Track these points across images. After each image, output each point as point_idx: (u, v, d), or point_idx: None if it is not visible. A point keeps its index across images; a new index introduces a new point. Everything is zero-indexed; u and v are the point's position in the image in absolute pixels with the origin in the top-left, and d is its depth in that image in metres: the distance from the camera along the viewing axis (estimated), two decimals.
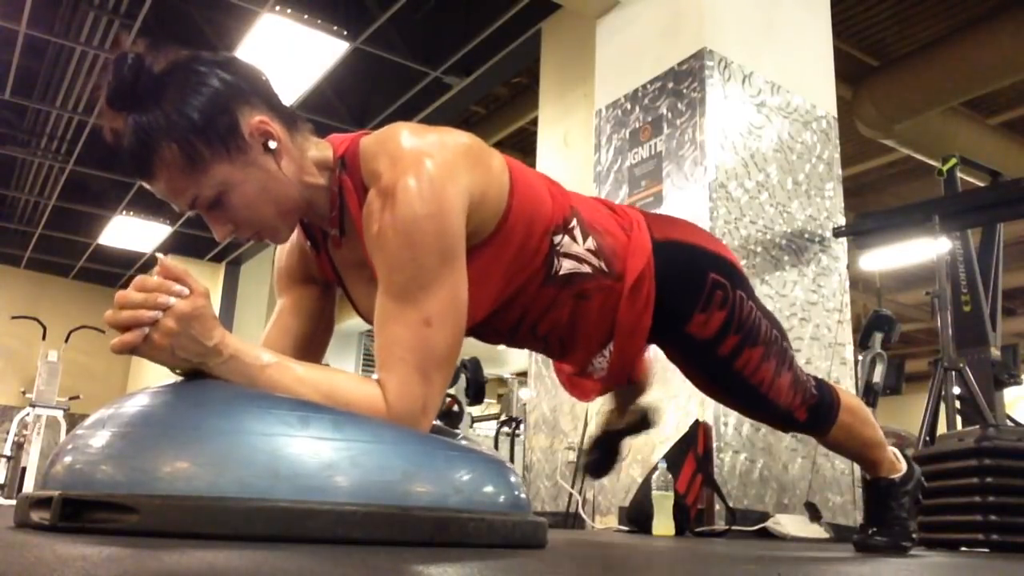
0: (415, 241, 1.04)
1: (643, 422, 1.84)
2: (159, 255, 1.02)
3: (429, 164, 1.06)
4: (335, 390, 1.02)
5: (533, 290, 1.25)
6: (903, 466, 1.70)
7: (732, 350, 1.40)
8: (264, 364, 1.02)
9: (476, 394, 4.82)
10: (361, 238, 1.14)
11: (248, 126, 1.09)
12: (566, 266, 1.25)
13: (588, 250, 1.27)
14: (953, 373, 3.25)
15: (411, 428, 1.04)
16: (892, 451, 1.72)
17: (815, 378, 1.58)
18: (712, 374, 1.47)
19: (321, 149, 1.19)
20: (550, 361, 1.71)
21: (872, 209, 6.35)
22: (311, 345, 1.33)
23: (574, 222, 1.27)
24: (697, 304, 1.36)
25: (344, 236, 1.20)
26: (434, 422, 1.12)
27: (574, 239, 1.26)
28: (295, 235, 1.33)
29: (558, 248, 1.24)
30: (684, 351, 1.45)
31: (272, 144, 1.11)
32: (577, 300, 1.28)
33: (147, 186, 1.12)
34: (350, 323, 8.78)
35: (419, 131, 1.13)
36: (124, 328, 0.95)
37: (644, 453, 3.18)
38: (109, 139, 1.09)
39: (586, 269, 1.27)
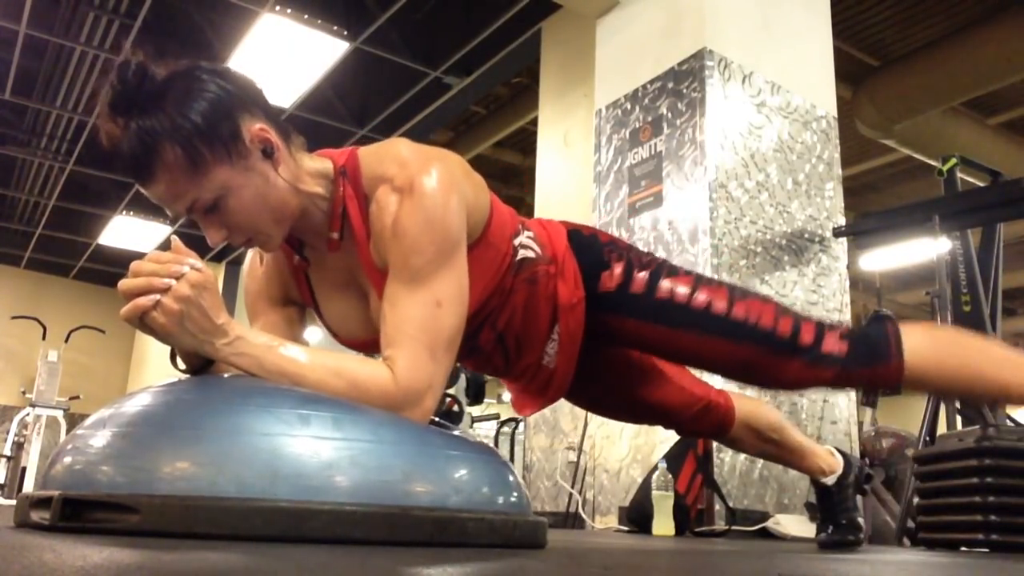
0: (434, 227, 1.12)
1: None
2: (173, 237, 1.03)
3: (437, 167, 1.16)
4: (342, 368, 1.05)
5: (503, 288, 1.34)
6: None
7: (646, 284, 1.41)
8: (269, 346, 1.05)
9: (476, 394, 4.82)
10: (360, 242, 1.19)
11: (249, 132, 1.13)
12: (520, 254, 1.36)
13: (528, 238, 1.39)
14: None
15: (417, 403, 1.07)
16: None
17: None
18: (652, 317, 1.40)
19: (316, 161, 1.23)
20: None
21: (872, 209, 6.36)
22: None
23: (520, 225, 1.40)
24: (599, 266, 1.43)
25: (342, 241, 1.23)
26: (435, 419, 1.13)
27: (521, 234, 1.38)
28: (265, 257, 1.35)
29: (517, 246, 1.36)
30: (612, 311, 1.43)
31: (271, 151, 1.14)
32: (529, 286, 1.37)
33: (144, 190, 1.13)
34: None
35: (417, 145, 1.23)
36: (137, 294, 0.97)
37: (644, 453, 3.18)
38: (105, 144, 1.10)
39: (531, 255, 1.37)
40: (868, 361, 1.37)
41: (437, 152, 1.21)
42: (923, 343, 1.38)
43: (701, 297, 1.39)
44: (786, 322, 1.38)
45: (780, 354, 1.37)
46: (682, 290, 1.40)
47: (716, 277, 1.52)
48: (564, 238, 1.45)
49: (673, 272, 1.44)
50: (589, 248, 1.46)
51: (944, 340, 1.44)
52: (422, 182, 1.13)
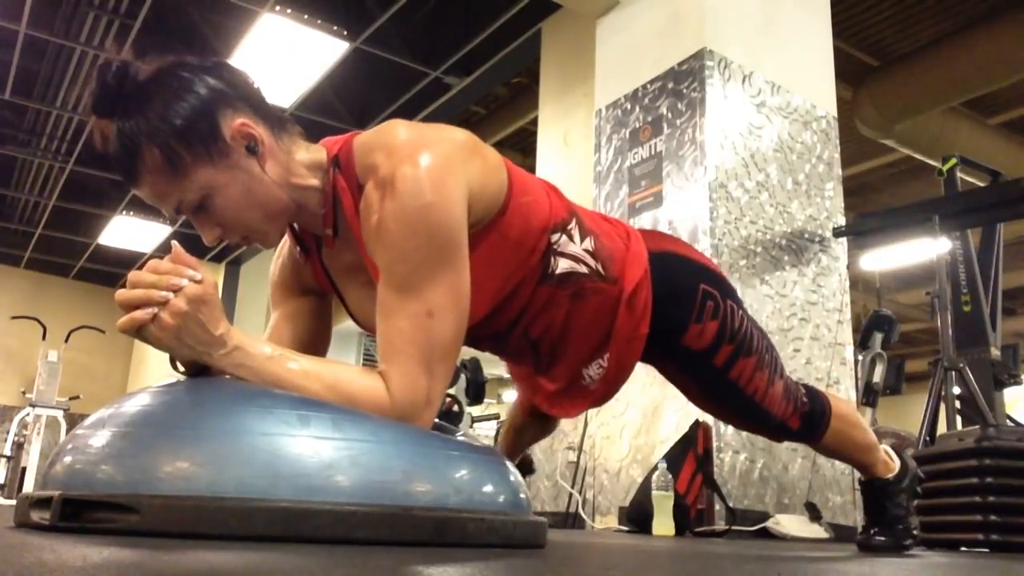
0: (417, 230, 1.04)
1: (525, 466, 2.01)
2: (173, 242, 1.02)
3: (427, 155, 1.06)
4: (338, 382, 1.03)
5: (530, 289, 1.25)
6: (896, 464, 1.73)
7: (727, 361, 1.42)
8: (268, 356, 1.02)
9: (476, 394, 4.82)
10: (357, 237, 1.14)
11: (230, 129, 1.09)
12: (563, 265, 1.26)
13: (586, 250, 1.28)
14: (953, 373, 3.25)
15: (414, 420, 1.05)
16: (884, 450, 1.74)
17: (805, 385, 1.62)
18: (708, 386, 1.49)
19: (312, 151, 1.18)
20: None
21: (872, 209, 6.36)
22: (309, 353, 1.33)
23: (573, 223, 1.28)
24: (691, 315, 1.38)
25: (338, 237, 1.19)
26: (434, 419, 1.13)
27: (572, 239, 1.27)
28: (287, 245, 1.33)
29: (555, 247, 1.25)
30: (679, 363, 1.47)
31: (255, 147, 1.11)
32: (573, 301, 1.29)
33: (133, 190, 1.12)
34: (350, 323, 8.81)
35: (415, 126, 1.14)
36: (134, 307, 0.96)
37: (644, 453, 3.18)
38: (97, 144, 1.10)
39: (583, 269, 1.28)
40: (801, 437, 1.61)
41: (434, 134, 1.12)
42: (835, 427, 1.60)
43: (753, 383, 1.47)
44: (786, 408, 1.54)
45: (769, 429, 1.59)
46: (746, 374, 1.45)
47: (764, 339, 1.54)
48: (643, 262, 1.35)
49: (749, 349, 1.45)
50: (681, 288, 1.39)
51: (847, 428, 1.63)
52: (405, 177, 1.04)
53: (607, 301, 1.31)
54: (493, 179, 1.16)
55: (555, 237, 1.24)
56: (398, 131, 1.12)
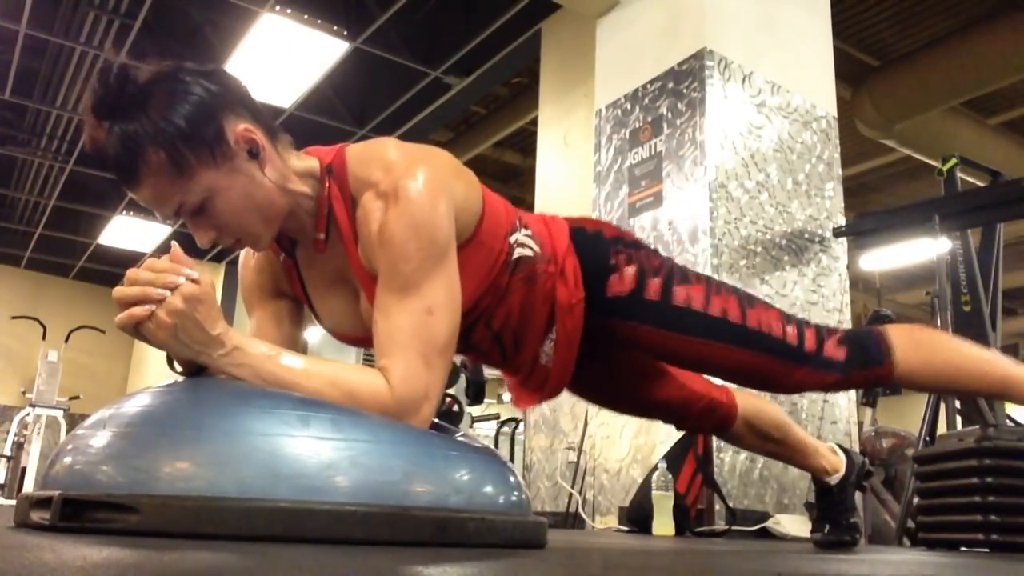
0: (421, 234, 1.10)
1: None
2: (172, 242, 1.03)
3: (423, 170, 1.14)
4: (338, 378, 1.05)
5: (495, 285, 1.32)
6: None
7: (661, 290, 1.40)
8: (267, 355, 1.04)
9: (476, 394, 4.82)
10: (347, 243, 1.19)
11: (233, 133, 1.12)
12: (515, 253, 1.34)
13: (526, 235, 1.36)
14: None
15: (414, 413, 1.06)
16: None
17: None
18: (667, 325, 1.40)
19: (304, 159, 1.22)
20: None
21: (872, 209, 6.35)
22: None
23: (518, 221, 1.38)
24: (607, 269, 1.41)
25: (328, 241, 1.22)
26: (434, 419, 1.13)
27: (517, 231, 1.36)
28: (261, 252, 1.35)
29: (513, 244, 1.33)
30: (624, 317, 1.42)
31: (257, 151, 1.14)
32: (526, 284, 1.35)
33: (132, 194, 1.13)
34: None
35: (404, 145, 1.21)
36: (131, 304, 0.97)
37: (644, 453, 3.18)
38: (89, 149, 1.10)
39: (528, 253, 1.35)
40: (863, 364, 1.45)
41: (425, 153, 1.20)
42: (908, 344, 1.47)
43: (716, 305, 1.41)
44: (792, 329, 1.43)
45: (789, 362, 1.43)
46: (697, 297, 1.40)
47: (721, 280, 1.49)
48: (566, 236, 1.42)
49: (685, 277, 1.43)
50: (593, 247, 1.43)
51: (927, 340, 1.52)
52: (407, 187, 1.11)
53: (548, 279, 1.37)
54: (472, 195, 1.25)
55: (512, 238, 1.33)
56: (390, 149, 1.18)
